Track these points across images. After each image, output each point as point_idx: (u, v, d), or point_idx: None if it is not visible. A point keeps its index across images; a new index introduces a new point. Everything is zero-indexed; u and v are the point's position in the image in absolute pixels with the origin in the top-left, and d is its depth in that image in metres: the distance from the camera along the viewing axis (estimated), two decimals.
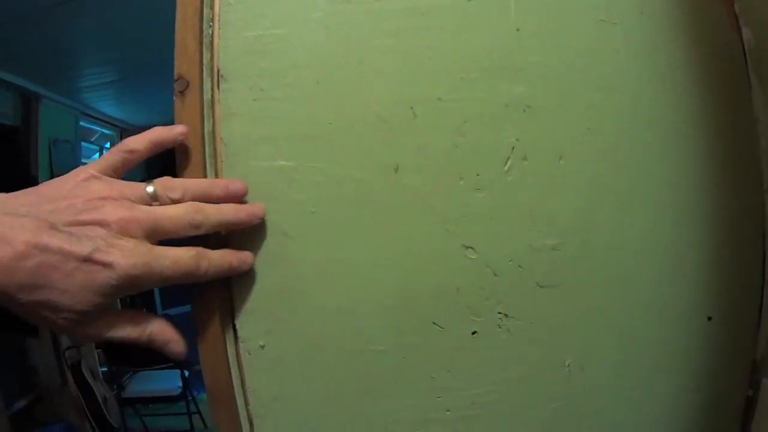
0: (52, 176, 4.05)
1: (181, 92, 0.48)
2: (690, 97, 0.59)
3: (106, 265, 0.35)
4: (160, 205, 0.40)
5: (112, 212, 0.37)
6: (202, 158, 0.48)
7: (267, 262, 0.48)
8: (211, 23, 0.50)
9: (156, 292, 4.65)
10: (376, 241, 0.49)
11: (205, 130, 0.48)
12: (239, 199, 0.45)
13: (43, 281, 0.34)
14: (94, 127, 5.07)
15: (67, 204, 0.37)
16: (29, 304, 0.34)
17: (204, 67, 0.49)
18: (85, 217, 0.37)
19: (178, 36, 0.49)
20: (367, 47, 0.49)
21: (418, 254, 0.49)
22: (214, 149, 0.48)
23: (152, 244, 0.38)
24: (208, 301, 0.47)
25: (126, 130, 5.68)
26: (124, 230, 0.37)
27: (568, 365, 0.53)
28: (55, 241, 0.34)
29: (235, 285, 0.48)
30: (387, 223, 0.49)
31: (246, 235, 0.47)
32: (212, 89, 0.49)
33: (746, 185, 0.61)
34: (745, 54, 0.63)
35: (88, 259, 0.35)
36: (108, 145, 5.53)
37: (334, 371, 0.49)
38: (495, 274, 0.50)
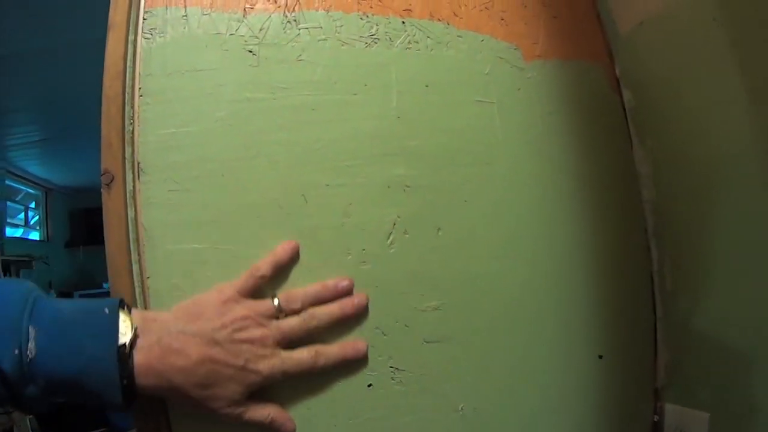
0: None
1: (107, 185, 0.56)
2: (571, 156, 0.66)
3: (255, 372, 0.49)
4: (285, 315, 0.53)
5: (254, 331, 0.50)
6: (127, 242, 0.55)
7: None
8: (131, 120, 0.57)
9: None
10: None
11: (129, 217, 0.55)
12: (348, 293, 0.56)
13: (211, 381, 0.47)
14: (19, 186, 5.05)
15: (221, 324, 0.49)
16: (199, 397, 0.47)
17: (126, 161, 0.56)
18: (237, 336, 0.49)
19: (103, 132, 0.56)
20: (264, 141, 0.57)
21: None
22: (137, 234, 0.56)
23: (281, 348, 0.51)
24: None
25: (51, 190, 5.62)
26: (263, 344, 0.50)
27: (462, 408, 0.60)
28: (220, 355, 0.48)
29: None
30: None
31: (162, 306, 0.54)
32: (134, 181, 0.56)
33: (632, 231, 0.69)
34: (625, 113, 0.70)
35: (243, 369, 0.49)
36: (33, 204, 5.45)
37: None
38: (384, 334, 0.58)
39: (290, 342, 0.52)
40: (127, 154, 0.56)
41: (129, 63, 0.56)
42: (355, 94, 0.59)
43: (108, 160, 0.56)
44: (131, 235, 0.55)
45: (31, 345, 0.42)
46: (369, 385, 0.57)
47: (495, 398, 0.61)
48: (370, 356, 0.57)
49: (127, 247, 0.55)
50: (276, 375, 0.50)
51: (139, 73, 0.56)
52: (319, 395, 0.55)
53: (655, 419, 0.67)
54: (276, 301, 0.52)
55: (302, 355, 0.52)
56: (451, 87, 0.62)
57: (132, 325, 0.46)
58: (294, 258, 0.55)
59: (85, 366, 0.43)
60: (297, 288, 0.55)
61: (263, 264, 0.53)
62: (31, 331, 0.42)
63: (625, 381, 0.66)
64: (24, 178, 4.98)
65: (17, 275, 4.37)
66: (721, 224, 0.60)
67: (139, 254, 0.55)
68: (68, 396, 0.44)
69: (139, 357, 0.45)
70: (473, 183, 0.61)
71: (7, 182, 4.63)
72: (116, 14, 0.57)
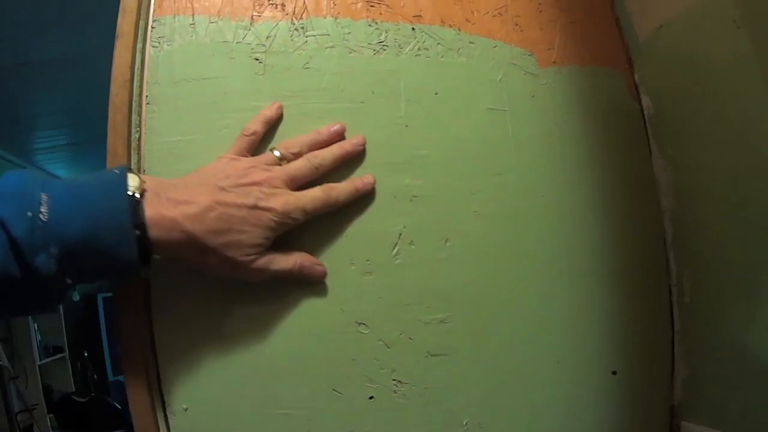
0: None
1: None
2: (587, 165, 0.64)
3: (268, 209, 0.49)
4: (287, 162, 0.53)
5: (260, 174, 0.50)
6: None
7: (191, 338, 0.55)
8: (138, 128, 0.57)
9: (107, 362, 4.83)
10: (279, 319, 0.55)
11: None
12: (341, 136, 0.56)
13: (225, 226, 0.46)
14: None
15: (225, 175, 0.49)
16: (216, 245, 0.46)
17: (132, 168, 0.56)
18: (243, 180, 0.49)
19: (109, 141, 0.57)
20: (269, 149, 0.56)
21: (316, 330, 0.56)
22: None
23: (292, 188, 0.52)
24: (138, 374, 0.55)
25: None
26: (271, 184, 0.50)
27: (466, 423, 0.58)
28: (228, 197, 0.47)
29: (161, 357, 0.55)
30: (287, 302, 0.55)
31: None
32: None
33: (649, 242, 0.67)
34: (645, 120, 0.68)
35: (254, 207, 0.48)
36: None
37: None
38: (387, 346, 0.57)
39: (299, 183, 0.52)
40: (133, 162, 0.56)
41: (137, 71, 0.56)
42: (363, 102, 0.58)
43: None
44: None
45: (44, 209, 0.41)
46: (371, 398, 0.56)
47: (501, 415, 0.59)
48: (372, 368, 0.56)
49: None
50: (291, 211, 0.50)
51: (147, 82, 0.56)
52: (320, 405, 0.55)
53: None
54: (276, 152, 0.53)
55: (314, 191, 0.52)
56: (461, 94, 0.60)
57: (140, 181, 0.45)
58: (281, 115, 0.56)
59: (96, 221, 0.42)
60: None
61: (252, 122, 0.54)
62: (44, 197, 0.41)
63: (639, 398, 0.64)
64: None
65: None
66: (743, 236, 0.57)
67: None
68: (80, 263, 0.43)
69: (149, 210, 0.44)
70: (484, 193, 0.59)
71: None
72: (124, 23, 0.57)
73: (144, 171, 0.56)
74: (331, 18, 0.59)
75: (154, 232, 0.44)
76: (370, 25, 0.60)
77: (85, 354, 4.63)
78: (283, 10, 0.59)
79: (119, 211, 0.43)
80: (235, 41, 0.58)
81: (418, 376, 0.57)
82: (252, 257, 0.48)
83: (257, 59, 0.57)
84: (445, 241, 0.58)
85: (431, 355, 0.57)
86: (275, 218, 0.49)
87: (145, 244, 0.44)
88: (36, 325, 3.84)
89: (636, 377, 0.64)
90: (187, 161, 0.55)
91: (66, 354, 4.05)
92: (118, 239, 0.42)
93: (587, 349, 0.63)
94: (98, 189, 0.44)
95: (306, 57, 0.58)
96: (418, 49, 0.60)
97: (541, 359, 0.61)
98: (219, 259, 0.47)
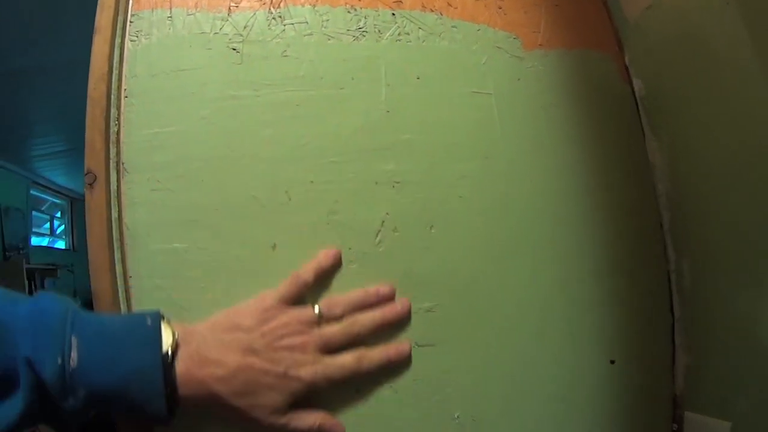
0: (3, 245, 3.90)
1: (90, 185, 0.56)
2: (577, 150, 0.63)
3: (296, 378, 0.48)
4: (326, 321, 0.52)
5: (295, 338, 0.49)
6: (110, 241, 0.55)
7: None
8: (116, 121, 0.56)
9: None
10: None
11: (112, 217, 0.55)
12: (390, 299, 0.55)
13: (251, 389, 0.46)
14: (44, 196, 5.18)
15: (260, 333, 0.48)
16: (240, 406, 0.46)
17: (111, 161, 0.56)
18: (276, 344, 0.48)
19: (87, 134, 0.56)
20: (247, 138, 0.55)
21: None
22: (120, 233, 0.55)
23: (324, 353, 0.50)
24: None
25: (76, 200, 5.71)
26: (304, 351, 0.49)
27: (458, 417, 0.56)
28: (258, 363, 0.47)
29: None
30: None
31: (143, 306, 0.53)
32: (118, 180, 0.56)
33: (646, 227, 0.65)
34: (637, 103, 0.67)
35: (284, 376, 0.48)
36: (58, 214, 5.57)
37: None
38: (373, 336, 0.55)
39: (332, 349, 0.51)
40: (112, 155, 0.56)
41: (115, 65, 0.56)
42: (342, 89, 0.57)
43: (91, 161, 0.56)
44: (114, 235, 0.54)
45: (74, 354, 0.41)
46: (357, 390, 0.54)
47: (495, 407, 0.57)
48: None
49: (109, 246, 0.54)
50: (319, 381, 0.49)
51: (125, 75, 0.56)
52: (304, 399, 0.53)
53: (674, 428, 0.62)
54: (317, 309, 0.52)
55: (345, 359, 0.51)
56: (444, 79, 0.59)
57: (173, 335, 0.45)
58: (336, 265, 0.54)
59: (128, 376, 0.42)
60: (336, 295, 0.54)
61: (305, 271, 0.53)
62: (74, 340, 0.41)
63: (640, 388, 0.62)
64: (49, 188, 5.11)
65: (42, 284, 4.46)
66: (743, 217, 0.55)
67: (122, 254, 0.54)
68: (108, 408, 0.43)
69: (180, 366, 0.44)
70: (470, 178, 0.58)
71: (32, 192, 4.76)
72: (102, 18, 0.57)
73: (124, 164, 0.55)
74: (309, 6, 0.58)
75: (183, 391, 0.44)
76: (348, 12, 0.59)
77: None
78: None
79: (152, 370, 0.43)
80: (213, 32, 0.57)
81: (406, 368, 0.55)
82: (273, 417, 0.48)
83: (234, 49, 0.57)
84: (430, 228, 0.57)
85: (419, 346, 0.56)
86: (301, 388, 0.49)
87: (174, 401, 0.44)
88: None
89: (635, 366, 0.62)
90: (166, 152, 0.55)
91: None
92: (148, 396, 0.43)
93: (582, 337, 0.61)
94: (131, 340, 0.44)
95: (284, 45, 0.57)
96: (399, 34, 0.59)
97: (534, 348, 0.59)
98: (240, 416, 0.47)
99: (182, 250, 0.54)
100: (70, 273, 5.26)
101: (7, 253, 4.15)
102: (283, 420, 0.48)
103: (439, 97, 0.59)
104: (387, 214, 0.56)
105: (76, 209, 5.88)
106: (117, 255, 0.54)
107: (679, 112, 0.62)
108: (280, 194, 0.55)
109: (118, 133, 0.56)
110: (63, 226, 5.80)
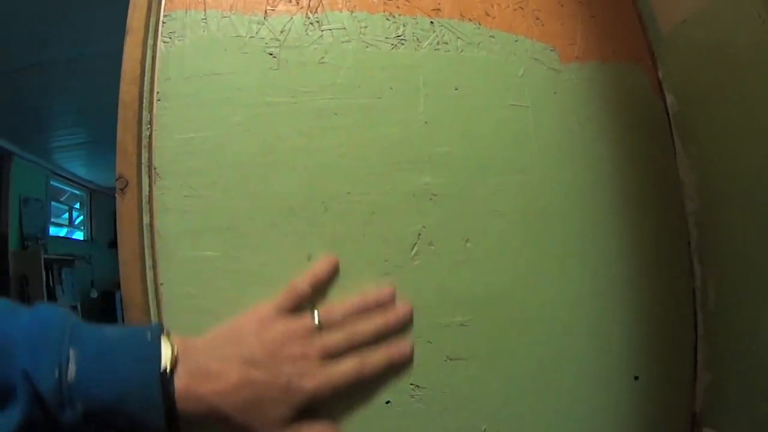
0: (21, 235, 3.92)
1: (122, 190, 0.55)
2: (609, 164, 0.62)
3: (299, 390, 0.47)
4: (326, 330, 0.51)
5: (295, 348, 0.48)
6: (141, 248, 0.54)
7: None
8: (149, 125, 0.55)
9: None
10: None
11: (144, 223, 0.54)
12: (390, 303, 0.54)
13: (254, 404, 0.46)
14: (64, 187, 5.18)
15: (259, 345, 0.47)
16: (243, 422, 0.45)
17: (143, 166, 0.55)
18: (277, 355, 0.47)
19: (119, 137, 0.55)
20: (283, 146, 0.54)
21: None
22: (152, 240, 0.54)
23: (326, 362, 0.49)
24: None
25: (95, 191, 5.73)
26: (306, 360, 0.48)
27: (484, 430, 0.57)
28: (260, 375, 0.46)
29: None
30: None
31: (178, 317, 0.53)
32: (150, 185, 0.55)
33: (673, 245, 0.64)
34: (669, 118, 0.66)
35: (287, 388, 0.47)
36: (77, 205, 5.59)
37: None
38: None
39: (334, 356, 0.50)
40: (144, 159, 0.55)
41: (147, 67, 0.55)
42: (380, 98, 0.56)
43: (123, 165, 0.55)
44: (146, 241, 0.54)
45: (72, 367, 0.41)
46: (387, 402, 0.54)
47: (521, 421, 0.57)
48: (389, 372, 0.54)
49: (141, 253, 0.53)
50: (323, 390, 0.48)
51: (157, 78, 0.55)
52: (336, 410, 0.53)
53: None
54: (316, 317, 0.51)
55: (347, 366, 0.50)
56: (482, 90, 0.59)
57: (173, 350, 0.45)
58: (333, 273, 0.53)
59: (126, 391, 0.42)
60: (335, 302, 0.53)
61: (302, 280, 0.52)
62: (72, 353, 0.41)
63: (661, 404, 0.62)
64: (69, 179, 5.12)
65: (59, 274, 4.47)
66: None
67: (153, 261, 0.53)
68: (106, 422, 0.43)
69: (179, 382, 0.44)
70: (505, 192, 0.57)
71: (52, 183, 4.76)
72: (134, 19, 0.56)
73: (156, 169, 0.54)
74: (347, 11, 0.57)
75: (182, 406, 0.43)
76: (387, 19, 0.58)
77: None
78: (298, 4, 0.57)
79: (150, 384, 0.42)
80: (249, 36, 0.56)
81: (435, 381, 0.55)
82: (276, 430, 0.47)
83: (271, 54, 0.56)
84: (466, 242, 0.56)
85: (450, 360, 0.56)
86: (305, 399, 0.48)
87: (173, 416, 0.43)
88: None
89: (658, 383, 0.62)
90: (200, 158, 0.54)
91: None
92: (147, 410, 0.42)
93: (609, 353, 0.61)
94: (129, 355, 0.43)
95: (321, 51, 0.56)
96: (437, 43, 0.59)
97: (563, 364, 0.59)
98: (243, 430, 0.46)
99: (215, 258, 0.53)
100: (88, 264, 5.25)
101: (25, 243, 4.15)
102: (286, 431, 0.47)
103: (477, 109, 0.58)
104: (423, 227, 0.55)
105: (95, 201, 5.86)
106: (148, 262, 0.53)
107: (711, 129, 0.62)
108: (316, 205, 0.54)
109: (150, 137, 0.55)
110: (81, 217, 5.78)
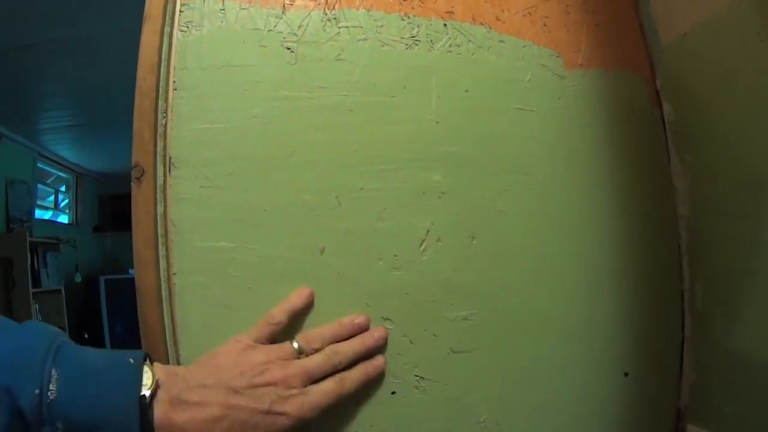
0: (7, 217, 3.84)
1: (138, 179, 0.55)
2: (607, 169, 0.65)
3: (282, 413, 0.47)
4: (306, 356, 0.51)
5: (276, 373, 0.48)
6: (155, 236, 0.54)
7: (209, 330, 0.54)
8: (165, 114, 0.56)
9: (107, 343, 4.83)
10: (303, 313, 0.55)
11: (158, 212, 0.55)
12: (363, 329, 0.55)
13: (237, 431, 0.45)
14: (50, 169, 5.07)
15: (239, 372, 0.47)
16: None
17: (158, 155, 0.55)
18: (257, 380, 0.47)
19: (136, 125, 0.55)
20: (299, 140, 0.55)
21: None
22: (165, 229, 0.55)
23: (307, 386, 0.49)
24: None
25: (82, 175, 5.63)
26: (287, 385, 0.48)
27: (483, 420, 0.59)
28: (241, 401, 0.46)
29: (181, 354, 0.54)
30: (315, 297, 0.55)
31: (191, 307, 0.54)
32: (165, 175, 0.55)
33: (665, 247, 0.67)
34: (665, 127, 0.69)
35: (268, 412, 0.46)
36: (63, 188, 5.49)
37: None
38: (411, 342, 0.57)
39: (315, 380, 0.51)
40: (159, 148, 0.55)
41: (164, 56, 0.55)
42: (394, 97, 0.57)
43: (139, 154, 0.55)
44: (159, 230, 0.54)
45: (53, 387, 0.41)
46: (393, 393, 0.56)
47: (518, 412, 0.60)
48: (395, 364, 0.56)
49: (154, 241, 0.54)
50: (306, 413, 0.48)
51: (174, 67, 0.55)
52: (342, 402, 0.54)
53: None
54: (295, 344, 0.51)
55: (327, 385, 0.50)
56: (491, 93, 0.60)
57: (154, 377, 0.45)
58: (309, 304, 0.54)
59: (105, 414, 0.42)
60: (314, 328, 0.54)
61: (278, 311, 0.53)
62: (54, 373, 0.41)
63: (649, 400, 0.65)
64: (56, 162, 5.01)
65: (44, 257, 4.37)
66: (757, 245, 0.58)
67: (166, 249, 0.54)
68: None
69: (158, 411, 0.44)
70: (510, 192, 0.59)
71: (39, 165, 4.66)
72: (152, 6, 0.56)
73: (171, 159, 0.54)
74: (363, 10, 0.58)
75: None
76: (402, 19, 0.59)
77: (85, 336, 4.59)
78: (316, 0, 0.58)
79: (128, 410, 0.42)
80: (267, 29, 0.57)
81: (439, 373, 0.57)
82: None
83: (289, 48, 0.56)
84: (472, 239, 0.58)
85: (453, 352, 0.58)
86: (289, 423, 0.47)
87: None
88: (37, 306, 3.82)
89: (646, 379, 0.65)
90: (216, 149, 0.55)
91: (66, 336, 4.09)
92: None
93: (602, 350, 0.64)
94: (111, 378, 0.43)
95: (338, 48, 0.57)
96: (450, 45, 0.60)
97: (557, 359, 0.62)
98: None
99: (229, 249, 0.54)
100: (73, 248, 5.15)
101: (10, 225, 4.05)
102: None
103: (486, 111, 0.60)
104: (432, 223, 0.57)
105: (81, 184, 5.74)
106: (161, 251, 0.54)
107: (705, 139, 0.65)
108: (330, 198, 0.55)
109: (165, 126, 0.55)
110: (67, 200, 5.64)
